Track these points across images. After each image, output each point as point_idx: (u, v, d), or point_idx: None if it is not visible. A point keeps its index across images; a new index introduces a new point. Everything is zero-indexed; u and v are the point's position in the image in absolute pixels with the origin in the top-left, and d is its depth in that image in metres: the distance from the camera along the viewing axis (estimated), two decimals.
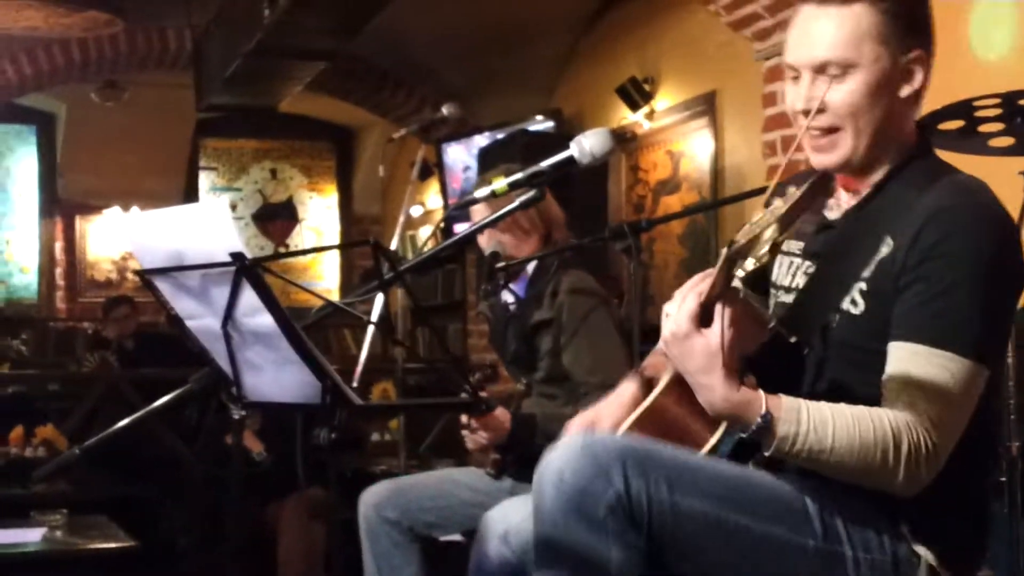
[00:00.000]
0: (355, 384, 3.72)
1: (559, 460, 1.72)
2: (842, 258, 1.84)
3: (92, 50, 7.72)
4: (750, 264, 1.62)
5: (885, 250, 1.79)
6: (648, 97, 6.15)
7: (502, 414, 3.06)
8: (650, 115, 6.17)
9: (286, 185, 10.18)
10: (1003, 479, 2.46)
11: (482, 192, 2.11)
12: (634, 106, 6.16)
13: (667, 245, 6.08)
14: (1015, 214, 2.61)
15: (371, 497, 3.25)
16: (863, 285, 1.80)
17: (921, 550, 1.79)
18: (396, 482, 3.33)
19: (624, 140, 6.20)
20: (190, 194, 9.81)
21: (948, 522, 1.82)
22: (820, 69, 1.80)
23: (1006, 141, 2.66)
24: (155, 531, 5.45)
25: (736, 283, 1.73)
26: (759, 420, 1.67)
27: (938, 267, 1.71)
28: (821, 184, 1.54)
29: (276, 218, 10.13)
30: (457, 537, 3.34)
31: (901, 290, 1.75)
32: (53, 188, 9.69)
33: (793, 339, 1.84)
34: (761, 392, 1.68)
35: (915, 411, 1.68)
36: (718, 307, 1.66)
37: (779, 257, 1.98)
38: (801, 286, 1.91)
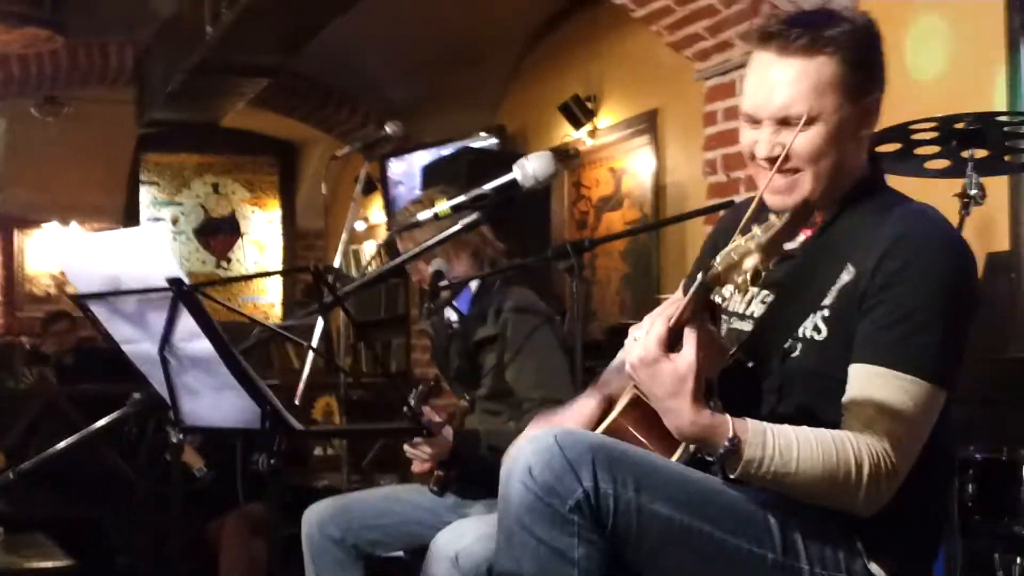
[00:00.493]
0: (297, 401, 3.71)
1: (529, 455, 1.71)
2: (803, 287, 1.86)
3: (32, 66, 7.63)
4: (728, 291, 1.63)
5: (846, 277, 1.82)
6: (591, 115, 6.18)
7: (445, 431, 3.06)
8: (593, 132, 6.21)
9: (228, 200, 10.11)
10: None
11: (425, 215, 2.11)
12: (577, 124, 6.20)
13: (609, 261, 6.11)
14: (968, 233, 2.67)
15: (314, 515, 3.23)
16: (825, 312, 1.83)
17: (875, 567, 1.83)
18: (339, 499, 3.32)
19: (567, 158, 6.23)
20: (131, 209, 9.72)
21: (902, 539, 1.85)
22: (783, 121, 1.81)
23: (941, 164, 2.71)
24: (95, 549, 5.37)
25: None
26: (726, 444, 1.68)
27: (900, 292, 1.75)
28: (803, 212, 1.55)
29: (218, 233, 10.06)
30: (400, 554, 3.34)
31: (863, 314, 1.78)
32: None
33: (750, 364, 1.86)
34: (728, 416, 1.70)
35: (876, 433, 1.72)
36: (687, 331, 1.67)
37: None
38: (758, 314, 1.93)
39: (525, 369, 3.09)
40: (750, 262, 1.59)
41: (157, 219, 9.82)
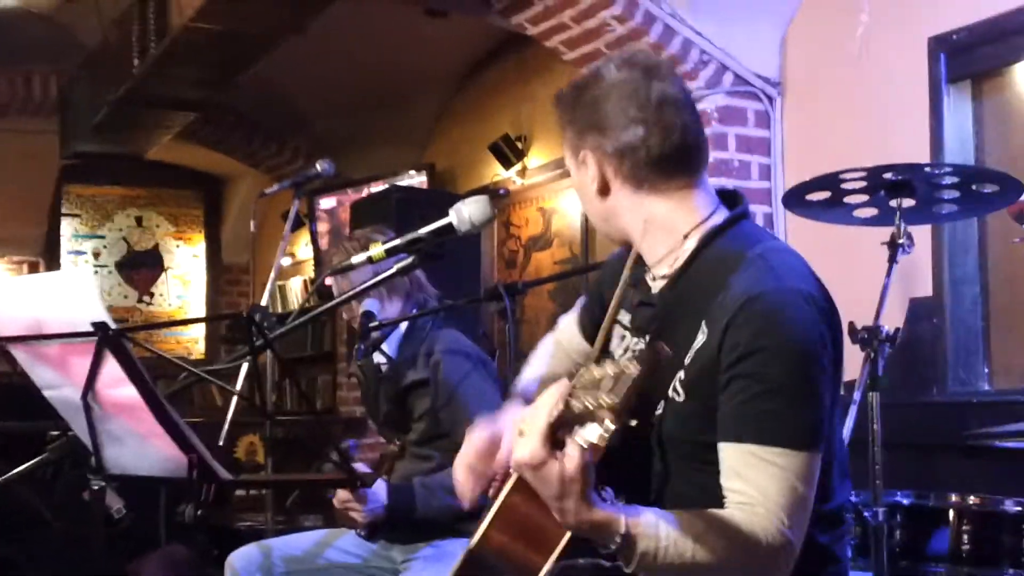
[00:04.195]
0: (221, 442, 3.63)
1: None
2: (666, 342, 1.83)
3: None
4: (592, 438, 1.55)
5: (701, 338, 1.78)
6: (521, 154, 6.20)
7: (378, 486, 3.02)
8: (522, 172, 6.22)
9: (152, 233, 9.97)
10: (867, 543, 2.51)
11: (359, 258, 2.08)
12: (507, 163, 6.21)
13: (538, 301, 6.11)
14: (879, 281, 2.71)
15: (238, 560, 3.17)
16: (682, 374, 1.80)
17: None
18: (263, 545, 3.26)
19: (497, 197, 6.23)
20: (51, 241, 9.54)
21: None
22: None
23: (870, 212, 2.74)
24: None
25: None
26: (618, 539, 1.62)
27: (755, 363, 1.71)
28: (654, 359, 1.48)
29: (141, 267, 9.90)
30: None
31: (722, 388, 1.74)
32: None
33: (633, 423, 1.84)
34: (620, 510, 1.64)
35: (764, 510, 1.68)
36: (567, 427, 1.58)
37: (614, 327, 1.98)
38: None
39: (460, 413, 3.06)
40: (610, 426, 1.49)
41: (78, 252, 9.65)
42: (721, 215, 1.89)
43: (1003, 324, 3.82)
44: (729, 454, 1.73)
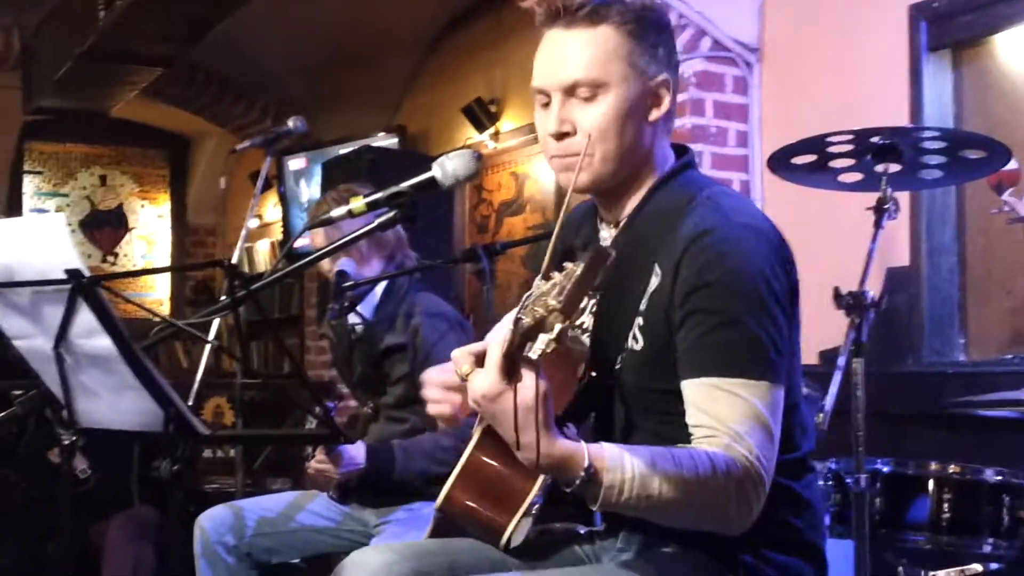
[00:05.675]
0: (190, 402, 3.58)
1: None
2: (620, 291, 1.82)
3: None
4: (541, 346, 1.51)
5: (655, 281, 1.78)
6: (494, 118, 6.14)
7: (355, 448, 2.99)
8: (495, 136, 6.16)
9: (116, 192, 9.83)
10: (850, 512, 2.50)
11: (339, 211, 2.03)
12: (480, 127, 6.15)
13: (510, 266, 6.07)
14: (859, 247, 2.68)
15: (208, 521, 3.13)
16: (640, 320, 1.79)
17: None
18: (233, 506, 3.22)
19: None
20: (13, 199, 9.38)
21: (786, 564, 1.83)
22: (570, 91, 1.80)
23: (855, 177, 2.71)
24: None
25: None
26: (582, 474, 1.59)
27: (708, 296, 1.71)
28: (598, 259, 1.45)
29: (104, 226, 9.76)
30: (297, 562, 3.25)
31: (678, 326, 1.74)
32: None
33: (593, 374, 1.81)
34: (583, 443, 1.61)
35: (732, 442, 1.67)
36: (526, 358, 1.55)
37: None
38: (589, 326, 1.88)
39: None
40: (557, 326, 1.47)
41: (41, 210, 9.50)
42: (670, 163, 1.91)
43: (979, 295, 3.81)
44: (691, 391, 1.72)
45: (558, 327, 1.47)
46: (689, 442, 1.71)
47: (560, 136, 1.82)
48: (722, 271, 1.72)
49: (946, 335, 3.82)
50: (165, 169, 9.97)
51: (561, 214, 1.81)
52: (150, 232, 9.91)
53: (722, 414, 1.68)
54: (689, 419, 1.72)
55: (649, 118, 1.84)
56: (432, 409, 1.92)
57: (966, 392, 3.02)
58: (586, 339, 1.85)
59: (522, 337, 1.52)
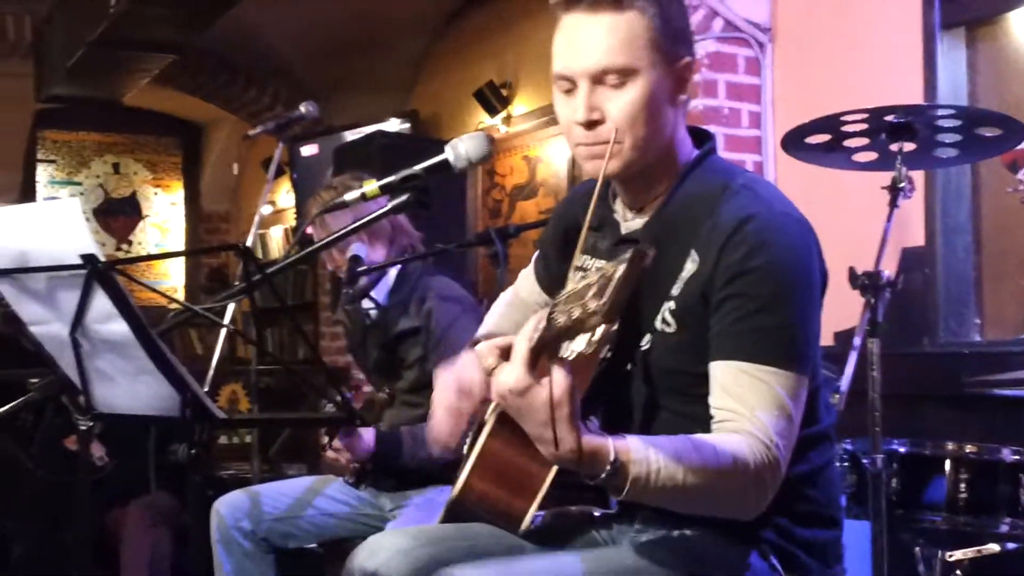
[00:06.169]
0: (206, 389, 3.59)
1: (373, 561, 1.75)
2: (649, 275, 1.81)
3: None
4: (581, 347, 1.49)
5: (691, 266, 1.78)
6: (506, 102, 6.12)
7: (366, 433, 3.00)
8: (507, 120, 6.15)
9: (129, 180, 9.84)
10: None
11: (352, 195, 2.02)
12: (492, 110, 6.13)
13: (523, 250, 6.03)
14: (873, 227, 2.67)
15: (225, 507, 3.13)
16: (672, 304, 1.79)
17: None
18: (250, 491, 3.22)
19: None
20: (27, 188, 9.40)
21: (809, 538, 1.84)
22: (598, 78, 1.77)
23: (870, 156, 2.70)
24: None
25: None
26: (608, 468, 1.58)
27: (749, 283, 1.71)
28: (639, 259, 1.42)
29: (118, 214, 9.78)
30: (314, 547, 3.26)
31: (715, 308, 1.74)
32: None
33: (611, 357, 1.80)
34: (608, 438, 1.60)
35: (751, 428, 1.67)
36: (551, 351, 1.53)
37: (574, 273, 1.90)
38: None
39: (450, 357, 3.02)
40: (599, 329, 1.43)
41: (54, 199, 9.51)
42: (692, 150, 1.89)
43: (994, 274, 3.79)
44: (719, 372, 1.73)
45: (600, 330, 1.43)
46: (709, 421, 1.71)
47: (590, 124, 1.79)
48: (765, 258, 1.71)
49: (962, 315, 3.80)
50: (178, 156, 9.97)
51: (592, 204, 1.78)
52: (164, 220, 9.92)
53: (747, 399, 1.68)
54: (712, 400, 1.72)
55: (676, 103, 1.83)
56: (436, 424, 1.95)
57: (982, 372, 3.01)
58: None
59: (556, 336, 1.49)
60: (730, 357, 1.72)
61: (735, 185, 1.82)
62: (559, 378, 1.51)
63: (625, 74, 1.76)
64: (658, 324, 1.80)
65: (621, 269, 1.42)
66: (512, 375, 1.54)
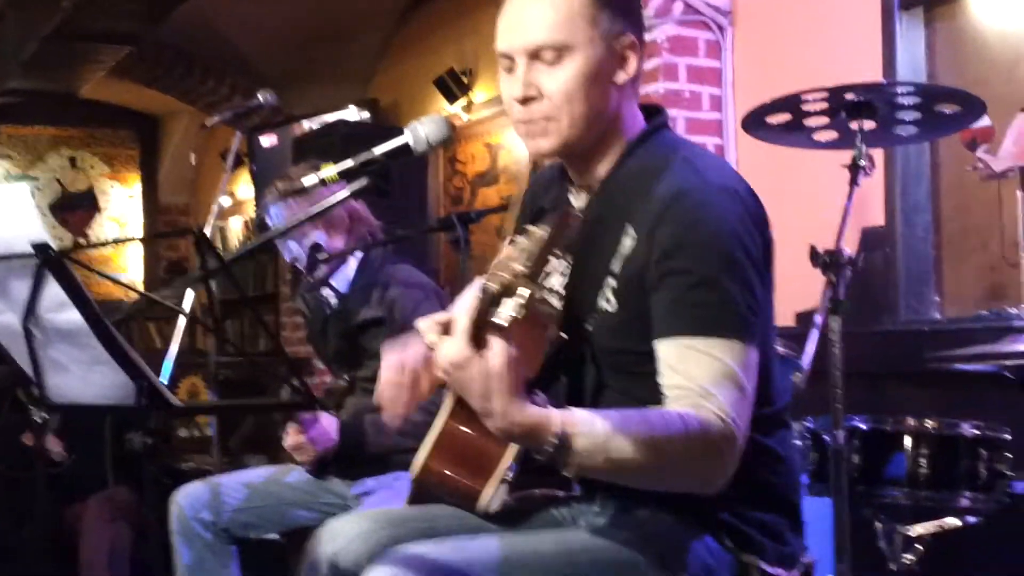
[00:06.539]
0: (165, 380, 3.55)
1: (333, 545, 1.76)
2: (590, 253, 1.80)
3: None
4: (510, 311, 1.47)
5: (628, 242, 1.77)
6: (466, 89, 6.10)
7: (328, 423, 2.98)
8: (468, 107, 6.12)
9: (86, 174, 9.75)
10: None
11: (311, 180, 2.00)
12: (452, 98, 6.10)
13: (484, 237, 6.04)
14: (834, 207, 2.67)
15: (184, 498, 3.10)
16: (613, 283, 1.78)
17: (749, 558, 1.81)
18: (210, 482, 3.19)
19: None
20: None
21: (764, 520, 1.84)
22: (535, 54, 1.77)
23: (830, 135, 2.70)
24: None
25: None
26: (553, 440, 1.58)
27: (685, 258, 1.71)
28: (563, 221, 1.45)
29: (75, 208, 9.68)
30: (276, 537, 3.23)
31: (653, 287, 1.73)
32: None
33: (564, 336, 1.79)
34: (552, 409, 1.60)
35: (704, 401, 1.66)
36: (492, 325, 1.54)
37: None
38: (558, 287, 1.86)
39: None
40: (524, 291, 1.46)
41: None
42: (640, 125, 1.89)
43: (954, 253, 3.82)
44: (665, 350, 1.72)
45: (525, 292, 1.45)
46: (661, 400, 1.71)
47: (525, 100, 1.79)
48: (698, 233, 1.71)
49: (922, 293, 3.83)
50: (135, 149, 9.89)
51: (527, 180, 1.79)
52: (121, 213, 9.84)
53: (695, 374, 1.68)
54: (661, 379, 1.72)
55: (616, 81, 1.82)
56: (386, 411, 1.95)
57: (942, 348, 3.03)
58: (556, 302, 1.84)
59: (490, 303, 1.50)
60: (674, 334, 1.71)
61: (674, 159, 1.81)
62: (498, 349, 1.52)
63: (560, 50, 1.76)
64: (601, 303, 1.79)
65: (542, 231, 1.44)
66: (452, 349, 1.55)
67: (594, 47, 1.78)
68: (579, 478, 1.74)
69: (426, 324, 1.66)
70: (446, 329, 1.60)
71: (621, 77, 1.83)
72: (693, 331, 1.69)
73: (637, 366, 1.76)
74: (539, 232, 1.45)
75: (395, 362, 1.98)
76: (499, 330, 1.50)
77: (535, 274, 1.43)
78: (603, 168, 1.87)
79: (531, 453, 1.65)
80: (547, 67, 1.77)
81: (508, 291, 1.46)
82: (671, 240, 1.71)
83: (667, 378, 1.71)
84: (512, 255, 1.48)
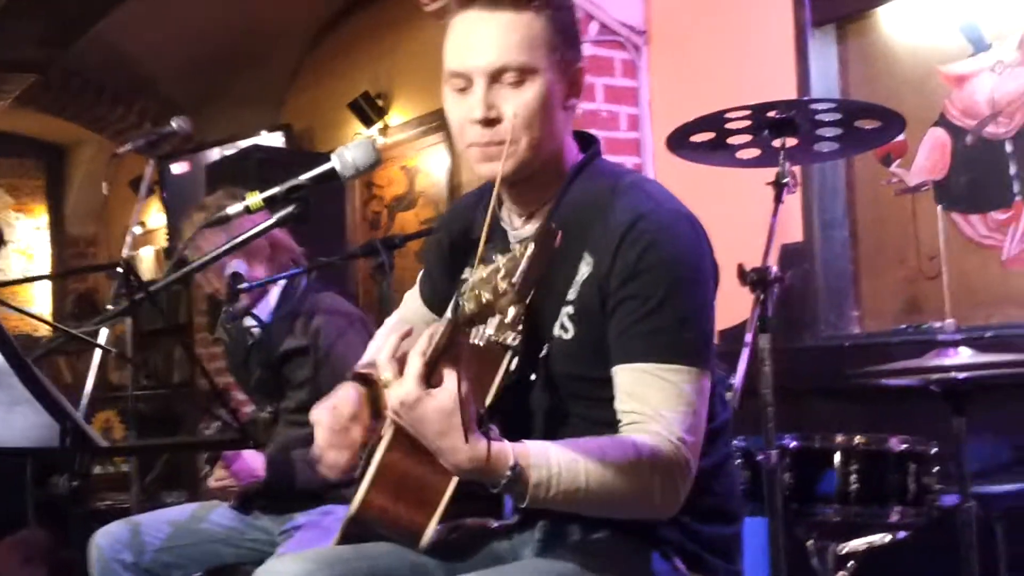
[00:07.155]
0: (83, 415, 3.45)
1: None
2: (546, 280, 1.75)
3: None
4: (491, 331, 1.47)
5: (585, 269, 1.77)
6: (381, 112, 6.06)
7: (251, 458, 2.91)
8: (384, 130, 6.09)
9: None
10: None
11: (235, 208, 1.95)
12: (367, 121, 6.07)
13: (404, 261, 5.98)
14: (756, 224, 2.68)
15: (104, 538, 3.01)
16: (570, 309, 1.78)
17: None
18: (131, 521, 3.09)
19: None
20: None
21: (711, 537, 1.84)
22: (496, 75, 1.76)
23: (753, 152, 2.72)
24: None
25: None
26: (508, 473, 1.57)
27: (642, 283, 1.71)
28: (548, 237, 1.40)
29: None
30: (199, 575, 3.14)
31: (611, 313, 1.73)
32: None
33: (516, 360, 1.77)
34: (506, 443, 1.59)
35: (659, 428, 1.66)
36: (445, 361, 1.54)
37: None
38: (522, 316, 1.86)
39: (340, 371, 2.95)
40: (511, 311, 1.44)
41: None
42: (578, 154, 1.89)
43: (871, 267, 3.87)
44: (621, 376, 1.71)
45: (512, 311, 1.42)
46: (616, 426, 1.69)
47: (488, 122, 1.76)
48: (657, 257, 1.71)
49: (841, 308, 3.87)
50: (41, 180, 9.68)
51: (491, 203, 1.72)
52: (27, 245, 9.61)
53: (651, 399, 1.67)
54: (617, 404, 1.71)
55: (567, 106, 1.83)
56: (327, 462, 1.91)
57: (863, 364, 3.05)
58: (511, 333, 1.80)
59: (466, 323, 1.47)
60: (630, 360, 1.71)
61: (623, 185, 1.82)
62: (451, 385, 1.51)
63: (524, 73, 1.75)
64: (556, 331, 1.79)
65: (530, 248, 1.40)
66: (403, 390, 1.54)
67: (552, 72, 1.77)
68: (515, 506, 1.72)
69: (384, 361, 1.62)
70: (403, 368, 1.57)
71: (571, 102, 1.83)
72: (649, 357, 1.70)
73: (594, 392, 1.76)
74: (522, 250, 1.41)
75: (328, 423, 1.93)
76: (452, 365, 1.50)
77: (524, 292, 1.39)
78: (546, 194, 1.85)
79: (469, 482, 1.62)
80: (508, 89, 1.75)
81: (491, 310, 1.43)
82: (633, 264, 1.72)
83: (622, 403, 1.70)
84: (486, 276, 1.43)
